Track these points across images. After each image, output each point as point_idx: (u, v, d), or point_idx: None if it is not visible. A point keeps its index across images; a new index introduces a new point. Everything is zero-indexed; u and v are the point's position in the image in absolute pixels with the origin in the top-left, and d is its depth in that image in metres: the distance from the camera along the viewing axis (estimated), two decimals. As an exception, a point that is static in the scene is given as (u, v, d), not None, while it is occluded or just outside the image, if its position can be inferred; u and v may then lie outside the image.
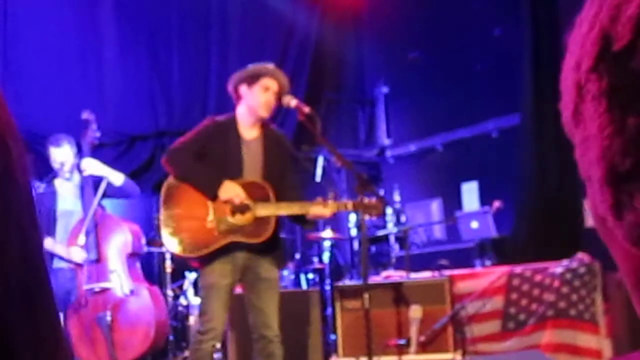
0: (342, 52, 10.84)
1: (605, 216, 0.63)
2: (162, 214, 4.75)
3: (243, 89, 4.78)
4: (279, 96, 4.80)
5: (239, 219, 4.65)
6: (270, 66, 4.94)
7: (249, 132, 4.79)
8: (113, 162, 7.74)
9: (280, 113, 9.31)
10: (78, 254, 5.62)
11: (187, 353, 6.35)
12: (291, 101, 4.77)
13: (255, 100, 4.74)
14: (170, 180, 4.78)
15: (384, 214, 4.86)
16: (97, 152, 7.40)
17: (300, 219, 4.87)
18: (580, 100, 0.64)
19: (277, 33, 9.79)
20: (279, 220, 4.76)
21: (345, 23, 10.66)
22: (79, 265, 5.63)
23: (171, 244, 4.72)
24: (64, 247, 5.69)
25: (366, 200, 4.73)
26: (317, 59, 10.18)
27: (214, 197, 4.62)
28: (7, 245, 0.60)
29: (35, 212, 0.66)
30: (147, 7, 8.82)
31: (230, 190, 4.60)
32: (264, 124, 4.89)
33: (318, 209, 4.66)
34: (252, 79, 4.77)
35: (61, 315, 5.85)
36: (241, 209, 4.65)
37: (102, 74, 8.36)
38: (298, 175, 4.93)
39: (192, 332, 6.39)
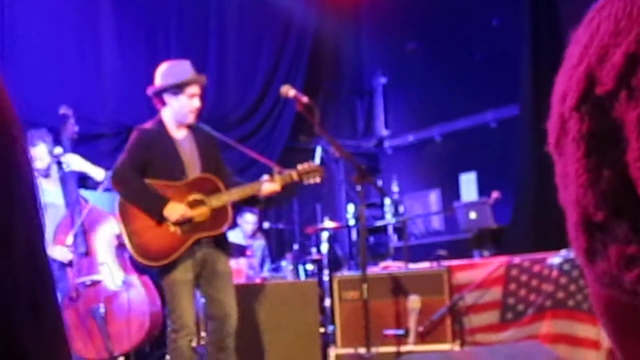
0: (340, 42, 10.83)
1: (577, 253, 0.62)
2: (123, 232, 4.82)
3: (168, 97, 4.87)
4: (202, 95, 4.94)
5: (198, 216, 4.69)
6: (191, 71, 5.01)
7: (177, 132, 4.92)
8: (112, 153, 7.74)
9: (278, 103, 9.32)
10: (64, 255, 5.60)
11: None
12: (289, 91, 4.77)
13: (184, 109, 4.86)
14: (121, 197, 4.84)
15: (323, 179, 5.00)
16: (96, 142, 7.42)
17: (252, 200, 5.01)
18: (563, 133, 0.63)
19: (275, 24, 9.77)
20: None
21: (343, 14, 10.64)
22: (67, 263, 5.62)
23: (141, 258, 4.80)
24: (50, 245, 5.67)
25: (306, 165, 4.91)
26: (315, 49, 10.16)
27: (160, 219, 4.68)
28: (13, 238, 0.59)
29: (39, 203, 0.65)
30: (146, -1, 8.81)
31: (175, 212, 4.68)
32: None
33: (269, 186, 4.78)
34: (177, 89, 4.87)
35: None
36: (197, 205, 4.71)
37: (101, 65, 8.34)
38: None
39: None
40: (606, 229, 0.58)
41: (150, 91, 4.98)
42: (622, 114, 0.56)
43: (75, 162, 5.75)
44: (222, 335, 4.78)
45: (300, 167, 4.90)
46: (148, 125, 4.94)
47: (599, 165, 0.57)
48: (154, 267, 4.88)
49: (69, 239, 5.57)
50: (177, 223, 4.70)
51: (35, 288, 0.60)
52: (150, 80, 8.65)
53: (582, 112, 0.59)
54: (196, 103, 4.85)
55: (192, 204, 4.73)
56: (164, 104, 4.92)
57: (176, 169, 4.79)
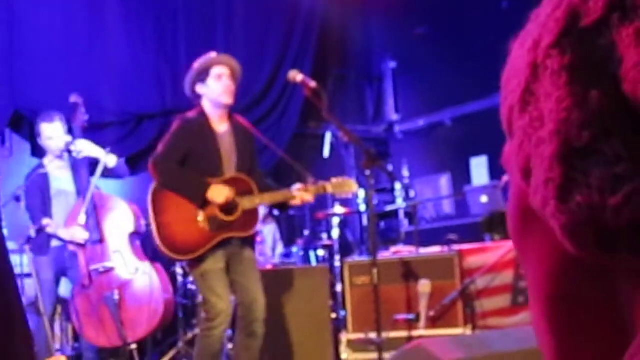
0: (348, 27, 10.78)
1: (543, 204, 0.61)
2: (152, 222, 4.81)
3: (199, 87, 4.85)
4: (235, 78, 4.84)
5: (229, 216, 4.69)
6: (214, 54, 4.99)
7: (219, 126, 4.88)
8: (120, 141, 7.75)
9: (287, 90, 9.29)
10: (80, 234, 5.61)
11: (197, 331, 6.36)
12: (297, 76, 4.75)
13: (214, 92, 4.82)
14: (155, 185, 4.81)
15: (355, 193, 5.05)
16: (105, 131, 7.42)
17: (280, 205, 5.08)
18: (533, 79, 0.63)
19: (283, 9, 9.73)
20: None
21: (351, -2, 10.59)
22: (81, 245, 5.63)
23: (167, 250, 4.80)
24: (65, 229, 5.69)
25: (340, 179, 4.94)
26: (323, 35, 10.12)
27: (202, 203, 4.66)
28: None
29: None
30: (153, -15, 8.79)
31: (219, 194, 4.68)
32: (231, 116, 4.94)
33: (302, 195, 4.76)
34: (203, 75, 4.85)
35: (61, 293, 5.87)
36: (229, 205, 4.69)
37: (109, 54, 8.33)
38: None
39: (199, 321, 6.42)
40: (590, 152, 0.58)
41: (187, 91, 4.95)
42: (613, 36, 0.57)
43: (87, 148, 5.76)
44: (250, 321, 4.78)
45: (334, 180, 4.92)
46: (191, 114, 4.89)
47: (585, 88, 0.58)
48: (176, 260, 4.91)
49: (82, 217, 5.56)
50: (221, 207, 4.68)
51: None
52: (157, 68, 8.69)
53: (563, 46, 0.60)
54: (226, 82, 4.80)
55: (226, 205, 4.72)
56: (200, 97, 4.89)
57: (213, 164, 4.77)
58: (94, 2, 8.35)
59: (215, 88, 4.79)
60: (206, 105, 4.85)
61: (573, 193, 0.60)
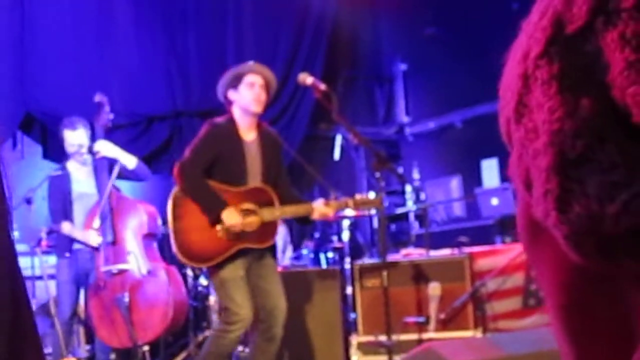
0: (359, 29, 10.77)
1: (545, 215, 0.61)
2: (170, 227, 4.83)
3: (231, 93, 4.85)
4: (267, 89, 4.84)
5: (247, 226, 4.67)
6: (250, 63, 5.01)
7: (247, 134, 4.88)
8: (131, 143, 7.76)
9: (297, 92, 9.29)
10: (94, 238, 5.64)
11: (207, 333, 6.37)
12: (307, 79, 4.76)
13: (244, 99, 4.82)
14: (177, 190, 4.82)
15: (382, 208, 4.99)
16: (115, 133, 7.44)
17: (302, 219, 5.04)
18: (526, 90, 0.63)
19: (293, 11, 9.74)
20: None
21: (361, 0, 10.58)
22: (97, 249, 5.65)
23: (183, 256, 4.82)
24: (81, 231, 5.72)
25: (364, 196, 4.92)
26: (334, 36, 10.12)
27: (215, 220, 4.68)
28: None
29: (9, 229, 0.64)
30: (163, -13, 8.81)
31: (231, 218, 4.68)
32: (259, 125, 4.94)
33: (323, 210, 4.74)
34: (235, 81, 4.86)
35: (82, 295, 5.90)
36: (248, 215, 4.69)
37: (119, 55, 8.35)
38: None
39: (213, 320, 6.41)
40: (584, 161, 0.57)
41: (220, 96, 4.95)
42: (599, 42, 0.56)
43: (107, 149, 5.77)
44: (270, 325, 4.78)
45: (358, 197, 4.91)
46: (219, 120, 4.90)
47: (575, 97, 0.57)
48: (192, 266, 4.92)
49: (96, 222, 5.59)
50: (229, 229, 4.68)
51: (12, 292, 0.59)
52: (168, 70, 8.70)
53: (551, 55, 0.59)
54: (257, 91, 4.80)
55: (244, 213, 4.72)
56: (231, 103, 4.90)
57: (238, 173, 4.78)
58: (104, 4, 8.37)
59: (246, 95, 4.80)
60: (236, 112, 4.86)
61: (572, 203, 0.60)
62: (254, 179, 4.81)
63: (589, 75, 0.59)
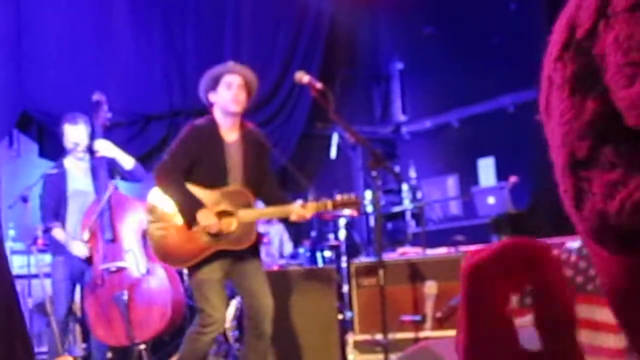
0: (356, 28, 10.78)
1: (569, 212, 0.62)
2: (149, 226, 4.84)
3: (210, 95, 4.84)
4: (247, 88, 4.85)
5: (225, 227, 4.70)
6: (229, 63, 4.98)
7: (229, 134, 4.85)
8: (128, 142, 7.75)
9: (294, 90, 9.30)
10: (78, 249, 5.64)
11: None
12: (303, 77, 4.74)
13: (223, 100, 4.80)
14: (156, 190, 4.84)
15: (362, 212, 4.94)
16: (113, 131, 7.42)
17: (286, 220, 4.95)
18: (549, 91, 0.64)
19: (291, 10, 9.75)
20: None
21: (359, -1, 10.60)
22: (95, 245, 5.65)
23: (160, 256, 4.83)
24: (69, 239, 5.70)
25: (345, 197, 4.84)
26: (331, 35, 10.14)
27: (192, 221, 4.68)
28: None
29: None
30: (161, -14, 8.81)
31: (207, 219, 4.67)
32: (243, 125, 4.93)
33: (300, 212, 4.71)
34: (214, 82, 4.83)
35: (77, 294, 5.90)
36: (226, 216, 4.71)
37: (117, 54, 8.35)
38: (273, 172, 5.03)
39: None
40: (590, 161, 0.58)
41: (202, 98, 4.94)
42: (602, 45, 0.57)
43: (106, 148, 5.77)
44: (258, 321, 4.77)
45: (338, 197, 4.84)
46: (201, 121, 4.89)
47: (582, 100, 0.59)
48: (168, 265, 4.90)
49: (85, 235, 5.58)
50: (205, 230, 4.68)
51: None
52: (166, 69, 8.70)
53: (565, 59, 0.61)
54: (235, 91, 4.77)
55: (222, 214, 4.72)
56: (212, 105, 4.90)
57: (219, 174, 4.75)
58: (102, 3, 8.37)
59: (224, 95, 4.79)
60: (217, 113, 4.86)
61: (584, 201, 0.61)
62: (236, 180, 4.79)
63: (596, 78, 0.60)
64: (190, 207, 4.69)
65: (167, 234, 4.78)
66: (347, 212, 7.23)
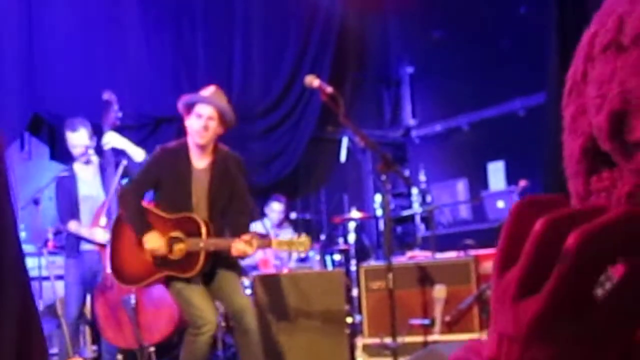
0: (366, 32, 10.79)
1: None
2: (110, 244, 5.03)
3: (185, 119, 4.86)
4: (221, 119, 4.85)
5: (174, 253, 4.77)
6: (207, 92, 4.98)
7: (199, 160, 4.89)
8: (138, 144, 7.75)
9: (304, 94, 9.31)
10: (100, 235, 5.67)
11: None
12: (313, 81, 4.75)
13: (191, 129, 4.85)
14: (120, 213, 4.99)
15: (308, 250, 4.93)
16: (123, 134, 7.44)
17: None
18: (584, 75, 0.66)
19: (301, 13, 9.76)
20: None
21: (369, 3, 10.59)
22: (104, 246, 5.67)
23: (114, 275, 4.99)
24: (87, 229, 5.74)
25: (294, 237, 4.90)
26: (341, 39, 10.14)
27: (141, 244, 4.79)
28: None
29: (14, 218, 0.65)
30: (171, -11, 8.84)
31: (151, 243, 4.75)
32: (216, 150, 4.93)
33: (241, 247, 4.68)
34: (188, 109, 4.88)
35: (88, 296, 5.92)
36: (176, 243, 4.76)
37: (127, 57, 8.37)
38: (247, 197, 5.00)
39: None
40: (587, 198, 0.60)
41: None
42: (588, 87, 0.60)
43: (116, 140, 5.79)
44: (238, 319, 4.85)
45: (286, 237, 4.94)
46: (173, 144, 4.95)
47: (574, 140, 0.61)
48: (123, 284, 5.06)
49: (102, 220, 5.62)
50: (153, 253, 4.75)
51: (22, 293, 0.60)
52: (176, 71, 8.73)
53: (607, 55, 0.62)
54: (203, 123, 4.77)
55: (173, 240, 4.76)
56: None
57: (182, 199, 4.81)
58: (113, 6, 8.39)
59: (193, 125, 4.82)
60: (190, 138, 4.89)
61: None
62: (199, 205, 4.83)
63: (584, 117, 0.63)
64: (138, 228, 4.79)
65: (122, 253, 4.93)
66: (356, 214, 7.25)
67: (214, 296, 4.91)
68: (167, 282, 4.84)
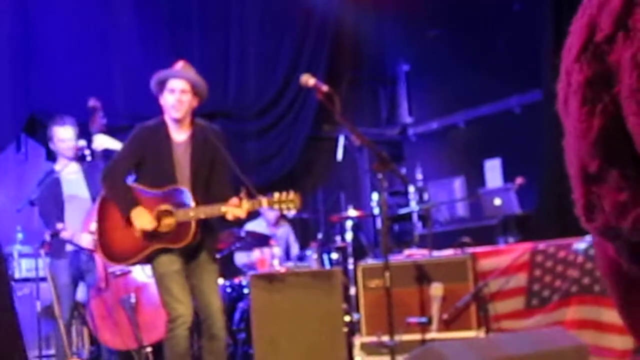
0: (362, 30, 10.79)
1: (579, 217, 0.62)
2: (96, 227, 4.96)
3: (160, 98, 4.87)
4: (194, 91, 4.87)
5: (162, 226, 4.74)
6: (176, 66, 5.00)
7: (178, 134, 4.89)
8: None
9: (301, 93, 9.31)
10: (87, 241, 5.67)
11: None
12: (309, 80, 4.75)
13: (166, 105, 4.86)
14: (104, 194, 4.96)
15: (300, 208, 4.81)
16: (118, 134, 7.45)
17: (226, 220, 4.85)
18: (568, 89, 0.63)
19: (297, 12, 9.76)
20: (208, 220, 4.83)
21: (365, 1, 10.60)
22: (89, 249, 5.67)
23: (104, 256, 4.93)
24: (74, 233, 5.73)
25: (283, 195, 4.72)
26: (337, 37, 10.14)
27: (128, 219, 4.75)
28: None
29: None
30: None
31: (139, 219, 4.73)
32: (193, 123, 4.94)
33: (234, 211, 4.66)
34: (160, 85, 4.89)
35: (81, 294, 5.91)
36: (166, 216, 4.74)
37: (123, 57, 8.37)
38: (228, 169, 4.95)
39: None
40: (600, 179, 0.58)
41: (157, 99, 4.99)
42: (618, 56, 0.56)
43: (105, 141, 5.80)
44: (208, 324, 4.81)
45: (276, 195, 4.73)
46: (150, 123, 4.95)
47: (591, 113, 0.58)
48: (114, 264, 5.01)
49: (93, 225, 5.62)
50: (141, 229, 4.74)
51: None
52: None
53: (582, 62, 0.60)
54: (177, 97, 4.80)
55: (162, 214, 4.75)
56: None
57: (165, 173, 4.80)
58: (108, 7, 8.39)
59: (167, 101, 4.84)
60: (165, 115, 4.91)
61: (595, 214, 0.61)
62: (183, 179, 4.83)
63: (607, 88, 0.60)
64: (125, 206, 4.77)
65: (110, 233, 4.89)
66: (353, 212, 7.25)
67: (191, 289, 4.86)
68: (152, 261, 4.81)
